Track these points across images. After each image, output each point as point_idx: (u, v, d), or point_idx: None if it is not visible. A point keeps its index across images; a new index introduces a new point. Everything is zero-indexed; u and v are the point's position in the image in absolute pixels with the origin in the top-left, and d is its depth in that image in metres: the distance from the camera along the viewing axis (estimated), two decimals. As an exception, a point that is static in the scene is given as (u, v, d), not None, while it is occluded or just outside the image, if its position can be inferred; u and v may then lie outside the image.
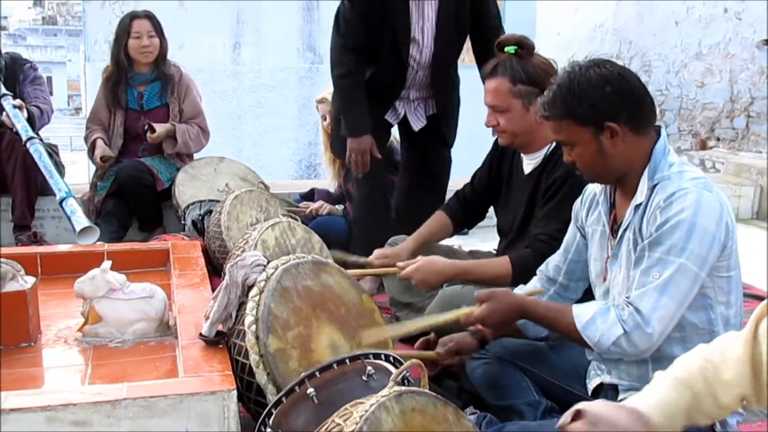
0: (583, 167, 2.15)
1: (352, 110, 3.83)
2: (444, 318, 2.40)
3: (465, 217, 3.26)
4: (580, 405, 1.53)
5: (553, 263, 2.46)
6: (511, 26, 7.77)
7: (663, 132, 2.12)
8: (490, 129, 2.93)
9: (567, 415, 1.53)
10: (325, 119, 4.58)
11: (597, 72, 2.05)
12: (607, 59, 2.11)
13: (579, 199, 2.37)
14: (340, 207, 4.63)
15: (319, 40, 7.62)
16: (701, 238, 1.95)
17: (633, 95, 2.05)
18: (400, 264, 2.93)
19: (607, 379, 2.23)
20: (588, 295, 2.37)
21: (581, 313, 2.10)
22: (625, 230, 2.13)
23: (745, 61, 9.41)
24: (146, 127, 4.65)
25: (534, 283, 2.51)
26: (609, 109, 2.04)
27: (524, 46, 2.81)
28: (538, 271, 2.51)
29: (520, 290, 2.50)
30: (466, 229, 3.43)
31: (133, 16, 4.69)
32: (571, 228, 2.40)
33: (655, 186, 2.05)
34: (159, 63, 4.77)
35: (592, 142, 2.08)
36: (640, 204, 2.07)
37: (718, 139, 9.77)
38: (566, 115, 2.09)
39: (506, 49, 2.82)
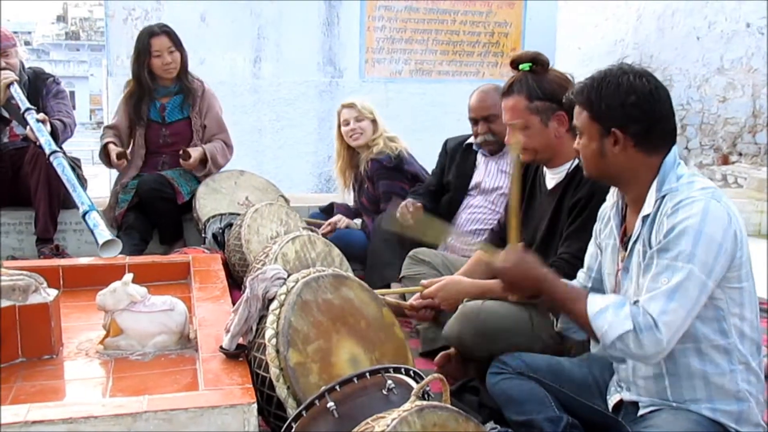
0: (582, 159, 2.20)
1: None
2: (397, 290, 2.35)
3: (503, 247, 3.16)
4: None
5: (578, 282, 2.45)
6: (531, 41, 7.87)
7: (674, 147, 2.13)
8: None
9: None
10: (347, 124, 4.55)
11: (631, 79, 2.07)
12: (654, 76, 2.12)
13: (598, 216, 2.37)
14: (358, 221, 4.63)
15: (339, 54, 7.65)
16: (708, 246, 1.94)
17: (652, 116, 2.06)
18: (424, 282, 2.92)
19: (627, 396, 2.22)
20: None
21: (595, 301, 2.08)
22: (635, 242, 2.12)
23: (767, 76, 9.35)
24: (181, 153, 4.66)
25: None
26: (622, 116, 2.07)
27: (538, 63, 2.80)
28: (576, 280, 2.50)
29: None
30: None
31: (151, 34, 4.69)
32: (592, 246, 2.39)
33: (663, 197, 2.05)
34: (181, 76, 4.80)
35: (596, 139, 2.12)
36: (648, 215, 2.07)
37: (740, 154, 9.71)
38: (584, 104, 2.13)
39: (521, 66, 2.82)
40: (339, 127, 4.61)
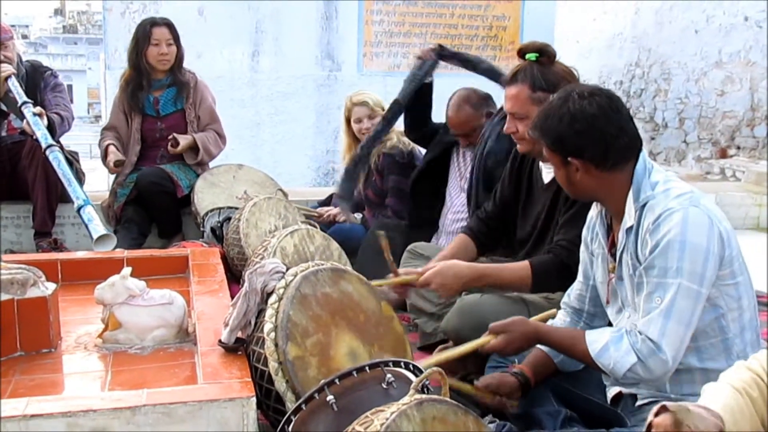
0: (560, 183, 2.26)
1: None
2: (463, 349, 2.39)
3: (487, 235, 3.17)
4: (665, 403, 1.51)
5: (575, 293, 2.45)
6: (530, 35, 7.87)
7: (643, 153, 2.14)
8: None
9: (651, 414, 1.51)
10: (359, 122, 4.54)
11: (571, 108, 2.09)
12: (600, 92, 2.13)
13: (586, 226, 2.38)
14: (358, 215, 4.63)
15: (337, 48, 7.64)
16: (694, 255, 1.96)
17: (602, 137, 2.07)
18: (418, 270, 2.90)
19: (626, 389, 2.22)
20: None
21: (594, 340, 2.11)
22: (622, 252, 2.14)
23: (766, 69, 9.35)
24: (170, 137, 4.67)
25: (560, 316, 2.49)
26: (572, 145, 2.10)
27: (545, 54, 2.80)
28: (562, 304, 2.50)
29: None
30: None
31: (152, 23, 4.72)
32: (585, 254, 2.39)
33: (643, 207, 2.06)
34: (174, 69, 4.80)
35: (561, 167, 2.17)
36: (632, 227, 2.09)
37: (739, 148, 9.71)
38: (540, 137, 2.18)
39: (527, 56, 2.81)
40: (348, 121, 4.61)
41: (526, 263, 2.76)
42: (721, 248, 2.00)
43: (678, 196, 2.02)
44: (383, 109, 4.48)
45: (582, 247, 2.40)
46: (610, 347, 2.07)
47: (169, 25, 4.73)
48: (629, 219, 2.10)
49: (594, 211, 2.32)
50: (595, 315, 2.42)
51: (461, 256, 3.06)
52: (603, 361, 2.08)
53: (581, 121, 2.07)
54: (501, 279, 2.80)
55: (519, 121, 2.80)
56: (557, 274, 2.66)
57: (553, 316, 2.49)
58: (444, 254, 3.13)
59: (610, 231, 2.25)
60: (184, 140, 4.70)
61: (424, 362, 2.34)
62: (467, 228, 3.23)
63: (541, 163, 2.92)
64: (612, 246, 2.22)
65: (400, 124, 4.53)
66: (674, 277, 1.96)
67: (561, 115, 2.10)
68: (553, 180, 2.85)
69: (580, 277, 2.43)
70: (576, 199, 2.28)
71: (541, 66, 2.78)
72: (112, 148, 4.68)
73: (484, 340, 2.32)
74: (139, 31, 4.73)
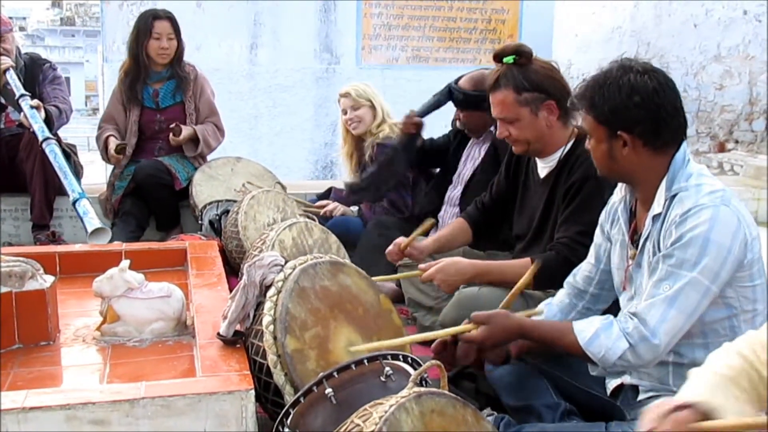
0: (594, 160, 2.19)
1: None
2: (442, 333, 2.37)
3: (484, 223, 3.24)
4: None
5: (582, 274, 2.43)
6: (529, 28, 7.86)
7: (684, 143, 2.11)
8: None
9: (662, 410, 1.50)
10: (345, 113, 4.55)
11: (632, 79, 2.04)
12: (658, 70, 2.09)
13: (605, 210, 2.36)
14: (354, 208, 4.63)
15: (335, 41, 7.62)
16: (716, 254, 1.95)
17: (658, 114, 2.04)
18: (422, 266, 2.92)
19: (628, 380, 2.22)
20: (616, 305, 2.36)
21: (583, 329, 2.10)
22: (645, 240, 2.12)
23: (765, 64, 9.34)
24: (173, 126, 4.65)
25: (560, 297, 2.48)
26: (627, 118, 2.05)
27: (522, 54, 2.79)
28: (565, 284, 2.48)
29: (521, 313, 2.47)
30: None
31: (155, 16, 4.68)
32: (600, 238, 2.38)
33: (673, 197, 2.04)
34: (174, 63, 4.78)
35: (605, 142, 2.10)
36: (659, 215, 2.07)
37: (737, 142, 9.71)
38: (588, 109, 2.10)
39: (504, 59, 2.81)
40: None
41: (527, 261, 2.77)
42: (742, 252, 1.99)
43: (710, 193, 2.00)
44: (368, 101, 4.48)
45: (597, 231, 2.39)
46: (600, 335, 2.05)
47: (171, 19, 4.70)
48: (657, 206, 2.08)
49: (617, 197, 2.30)
50: (598, 298, 2.40)
51: (457, 237, 3.20)
52: (593, 350, 2.06)
53: (642, 94, 2.02)
54: (503, 276, 2.80)
55: (510, 124, 2.81)
56: (560, 271, 2.66)
57: (540, 313, 2.47)
58: (441, 234, 3.23)
59: (633, 218, 2.23)
60: (186, 131, 4.69)
61: (390, 343, 2.28)
62: (465, 214, 3.29)
63: (536, 159, 2.93)
64: (634, 233, 2.21)
65: (389, 113, 4.54)
66: (689, 270, 1.95)
67: (620, 85, 2.04)
68: (548, 175, 2.86)
69: (590, 259, 2.41)
70: (609, 178, 2.24)
71: (520, 67, 2.78)
72: (111, 139, 4.67)
73: (465, 327, 2.28)
74: (140, 23, 4.70)
